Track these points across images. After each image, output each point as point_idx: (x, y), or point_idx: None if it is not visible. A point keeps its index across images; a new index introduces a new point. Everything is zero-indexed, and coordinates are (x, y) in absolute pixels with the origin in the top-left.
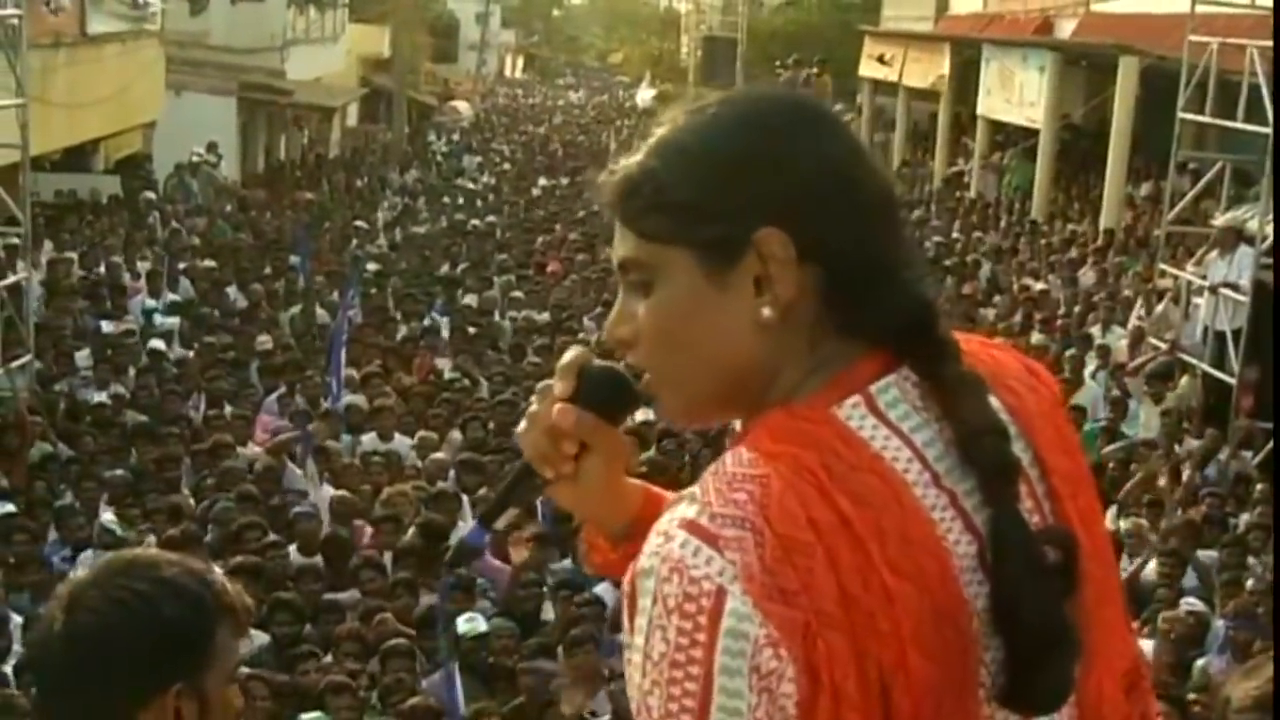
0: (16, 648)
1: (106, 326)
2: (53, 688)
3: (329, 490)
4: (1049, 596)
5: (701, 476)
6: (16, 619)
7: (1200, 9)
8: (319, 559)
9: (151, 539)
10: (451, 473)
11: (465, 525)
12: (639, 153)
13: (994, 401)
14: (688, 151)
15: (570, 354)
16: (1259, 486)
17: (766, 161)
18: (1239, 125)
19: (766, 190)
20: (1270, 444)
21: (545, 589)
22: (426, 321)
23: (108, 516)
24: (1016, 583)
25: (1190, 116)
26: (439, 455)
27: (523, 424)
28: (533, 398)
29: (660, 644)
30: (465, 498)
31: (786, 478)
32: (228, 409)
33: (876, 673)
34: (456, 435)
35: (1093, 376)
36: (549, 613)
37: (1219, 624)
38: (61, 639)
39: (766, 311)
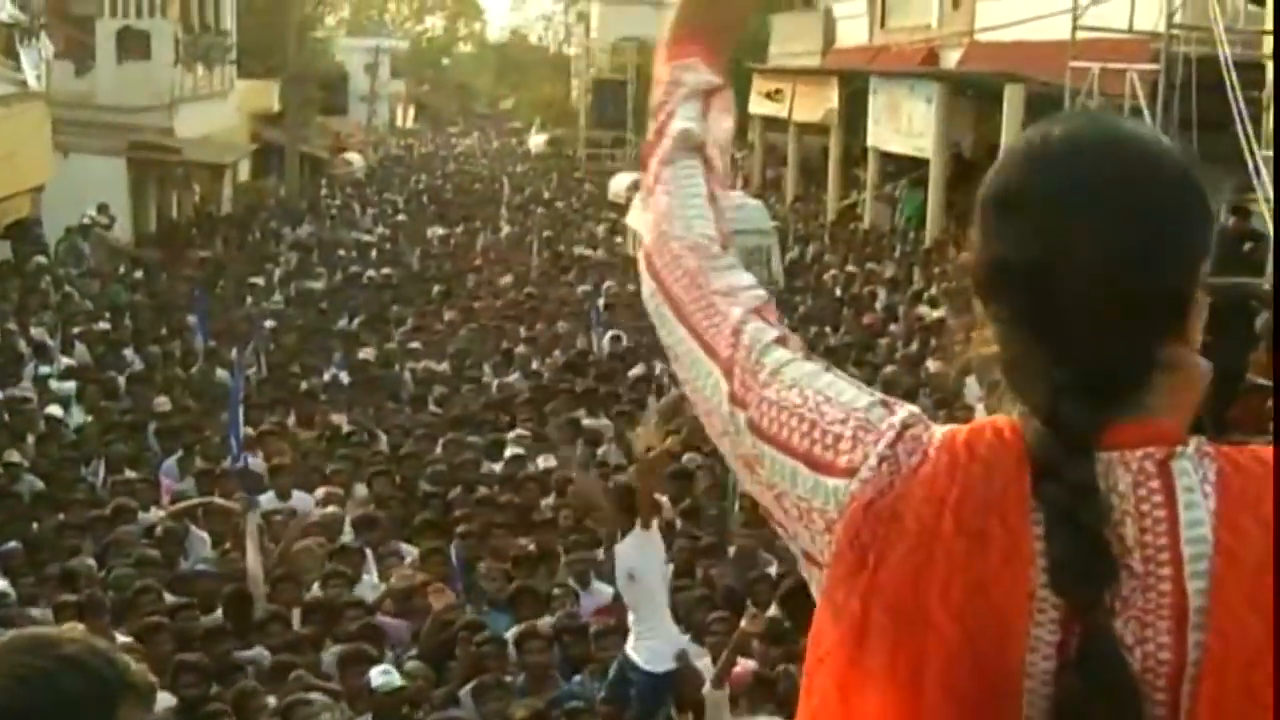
0: None
1: None
2: None
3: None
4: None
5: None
6: None
7: (1081, 35)
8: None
9: (48, 610)
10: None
11: (368, 580)
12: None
13: (1202, 529)
14: None
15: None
16: None
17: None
18: None
19: None
20: None
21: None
22: (327, 376)
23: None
24: (1074, 697)
25: None
26: (334, 509)
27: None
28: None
29: None
30: (369, 552)
31: (939, 467)
32: (128, 473)
33: (910, 662)
34: (360, 489)
35: None
36: None
37: None
38: None
39: None
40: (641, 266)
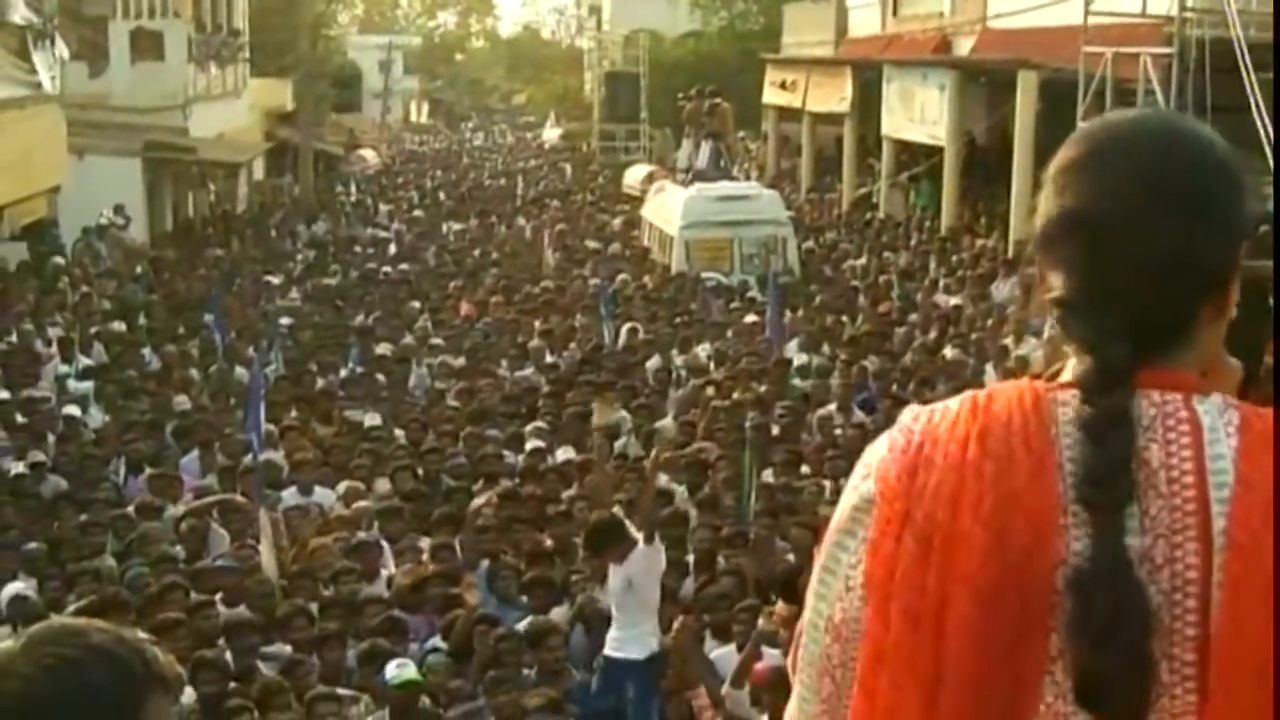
0: None
1: (2, 394)
2: None
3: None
4: (1121, 631)
5: None
6: None
7: (1093, 20)
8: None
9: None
10: (374, 521)
11: (387, 572)
12: None
13: (1225, 460)
14: None
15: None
16: None
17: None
18: None
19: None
20: None
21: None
22: (344, 373)
23: (17, 585)
24: (1093, 606)
25: None
26: (362, 504)
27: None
28: None
29: (838, 511)
30: (387, 545)
31: (960, 414)
32: (147, 470)
33: (939, 590)
34: (383, 484)
35: None
36: None
37: None
38: None
39: None
40: None
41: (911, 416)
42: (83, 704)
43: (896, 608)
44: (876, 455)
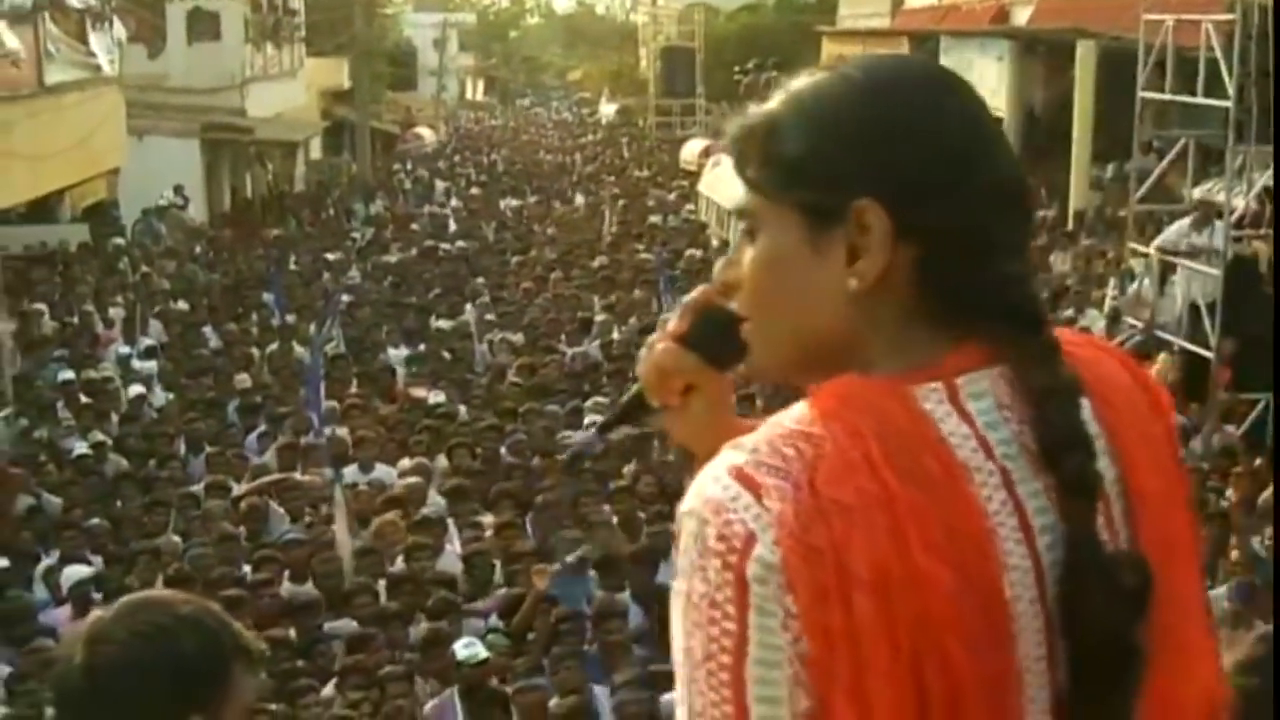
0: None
1: (66, 375)
2: (72, 719)
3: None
4: (1121, 619)
5: (758, 429)
6: (4, 669)
7: None
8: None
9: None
10: (438, 498)
11: (452, 550)
12: (769, 101)
13: (1086, 413)
14: (806, 110)
15: (696, 291)
16: (1253, 460)
17: (879, 132)
18: (1200, 100)
19: (873, 161)
20: (1252, 415)
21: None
22: (404, 350)
23: (77, 568)
24: (1088, 602)
25: (1151, 95)
26: (415, 479)
27: (643, 349)
28: (661, 326)
29: (700, 585)
30: (451, 523)
31: (840, 441)
32: (207, 449)
33: (909, 645)
34: (441, 461)
35: None
36: None
37: (1214, 594)
38: (82, 670)
39: (853, 283)
40: None
41: (768, 456)
42: (173, 669)
43: (872, 676)
44: (746, 516)
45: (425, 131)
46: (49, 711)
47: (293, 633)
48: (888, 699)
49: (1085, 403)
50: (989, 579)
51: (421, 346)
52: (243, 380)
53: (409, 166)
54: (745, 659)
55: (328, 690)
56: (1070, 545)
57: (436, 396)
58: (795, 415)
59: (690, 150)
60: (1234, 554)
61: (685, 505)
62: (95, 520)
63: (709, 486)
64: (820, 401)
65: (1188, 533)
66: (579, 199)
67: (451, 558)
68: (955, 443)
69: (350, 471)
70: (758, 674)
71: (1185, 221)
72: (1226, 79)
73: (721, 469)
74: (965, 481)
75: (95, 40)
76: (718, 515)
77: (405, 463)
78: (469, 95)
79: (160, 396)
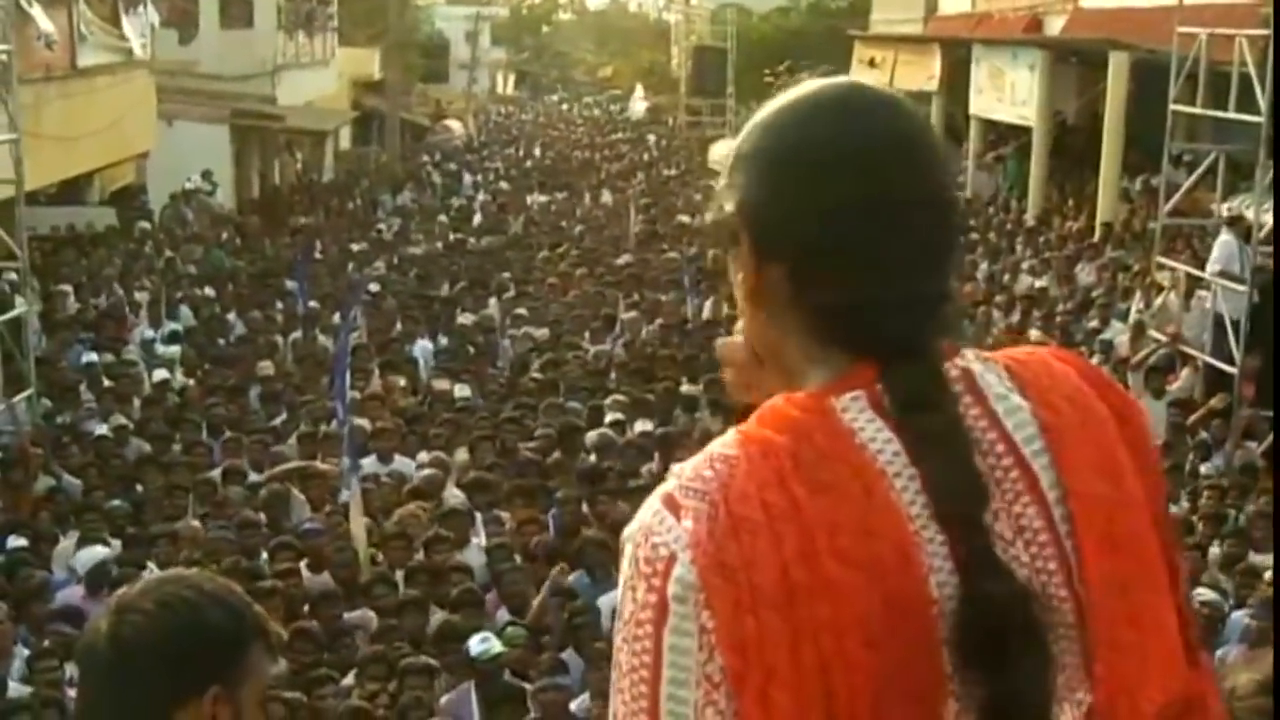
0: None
1: (89, 357)
2: (97, 686)
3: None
4: (996, 624)
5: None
6: (24, 651)
7: (1188, 0)
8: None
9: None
10: (458, 491)
11: (477, 542)
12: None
13: (1023, 414)
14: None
15: None
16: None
17: (751, 151)
18: (1231, 115)
19: (734, 184)
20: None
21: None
22: (427, 342)
23: (97, 549)
24: (974, 606)
25: (1182, 108)
26: (433, 471)
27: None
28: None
29: (629, 604)
30: (478, 515)
31: (754, 459)
32: (227, 433)
33: (815, 655)
34: (461, 455)
35: None
36: None
37: (1236, 615)
38: (108, 639)
39: (739, 296)
40: None
41: (690, 479)
42: (197, 639)
43: (775, 687)
44: (669, 538)
45: (455, 124)
46: (70, 674)
47: (315, 624)
48: (787, 707)
49: (1022, 404)
50: (912, 582)
51: (445, 340)
52: (265, 367)
53: (437, 158)
54: (660, 679)
55: (347, 680)
56: (968, 569)
57: (461, 390)
58: (723, 439)
59: (719, 150)
60: (1267, 574)
61: (625, 531)
62: (116, 502)
63: (644, 512)
64: (747, 424)
65: (1148, 537)
66: (606, 196)
67: (475, 551)
68: (876, 448)
69: (369, 462)
70: (669, 692)
71: (1229, 237)
72: (1259, 94)
73: (656, 496)
74: (885, 488)
75: (128, 24)
76: (646, 539)
77: (424, 455)
78: (500, 89)
79: (182, 381)
